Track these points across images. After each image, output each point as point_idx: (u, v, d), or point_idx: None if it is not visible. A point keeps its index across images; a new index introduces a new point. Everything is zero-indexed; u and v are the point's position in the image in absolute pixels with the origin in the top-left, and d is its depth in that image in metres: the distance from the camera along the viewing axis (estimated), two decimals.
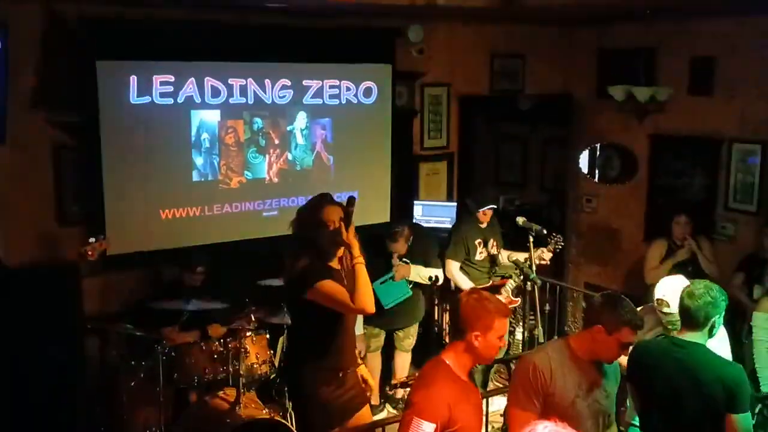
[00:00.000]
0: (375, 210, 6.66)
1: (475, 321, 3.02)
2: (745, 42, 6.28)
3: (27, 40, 5.19)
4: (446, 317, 6.55)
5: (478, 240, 6.12)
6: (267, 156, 6.20)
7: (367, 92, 6.58)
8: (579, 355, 3.31)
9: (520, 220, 5.85)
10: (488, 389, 5.96)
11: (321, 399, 3.90)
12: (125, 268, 5.64)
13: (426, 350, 6.63)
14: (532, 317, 5.89)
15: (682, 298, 3.49)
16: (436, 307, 6.80)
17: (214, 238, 5.95)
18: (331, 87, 6.39)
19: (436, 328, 6.80)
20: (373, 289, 5.47)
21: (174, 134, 5.75)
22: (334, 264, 3.91)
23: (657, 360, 3.48)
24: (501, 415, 5.01)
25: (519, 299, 6.00)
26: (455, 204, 7.09)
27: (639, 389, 3.61)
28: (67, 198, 5.52)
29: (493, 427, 5.18)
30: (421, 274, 5.77)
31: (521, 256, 5.84)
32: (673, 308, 3.93)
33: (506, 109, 8.59)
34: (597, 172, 7.76)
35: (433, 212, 6.99)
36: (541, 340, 5.61)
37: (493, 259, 6.16)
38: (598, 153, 7.73)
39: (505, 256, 6.17)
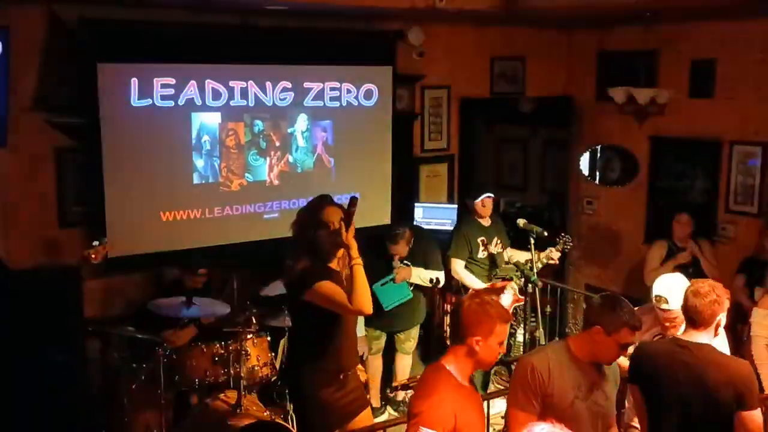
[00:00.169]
0: (376, 212, 6.66)
1: (477, 326, 3.00)
2: (745, 44, 6.29)
3: (28, 42, 5.19)
4: (447, 319, 6.55)
5: (481, 238, 6.13)
6: (268, 158, 6.20)
7: (368, 94, 6.59)
8: (578, 356, 3.31)
9: (521, 222, 5.85)
10: (489, 391, 5.97)
11: (321, 401, 3.90)
12: (126, 271, 5.64)
13: (427, 352, 6.65)
14: (533, 319, 5.89)
15: (686, 297, 3.49)
16: (441, 307, 6.79)
17: (214, 241, 5.95)
18: (331, 89, 6.39)
19: (437, 330, 6.80)
20: (374, 291, 5.57)
21: (175, 137, 5.75)
22: (334, 265, 3.92)
23: (664, 363, 3.47)
24: (502, 417, 5.01)
25: (523, 297, 6.03)
26: (456, 206, 7.10)
27: (645, 393, 3.58)
28: (68, 200, 5.52)
29: (494, 429, 5.19)
30: (421, 276, 5.77)
31: (522, 257, 5.85)
32: (672, 305, 3.94)
33: (507, 111, 8.61)
34: (597, 174, 7.76)
35: (434, 214, 7.00)
36: (543, 341, 5.61)
37: (492, 259, 6.16)
38: (598, 155, 7.74)
39: (507, 255, 6.17)
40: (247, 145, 6.08)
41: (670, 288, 3.97)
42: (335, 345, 3.91)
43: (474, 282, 6.02)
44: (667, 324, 4.02)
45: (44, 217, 5.44)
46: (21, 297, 4.70)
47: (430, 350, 6.69)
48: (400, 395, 6.06)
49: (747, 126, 6.38)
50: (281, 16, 6.04)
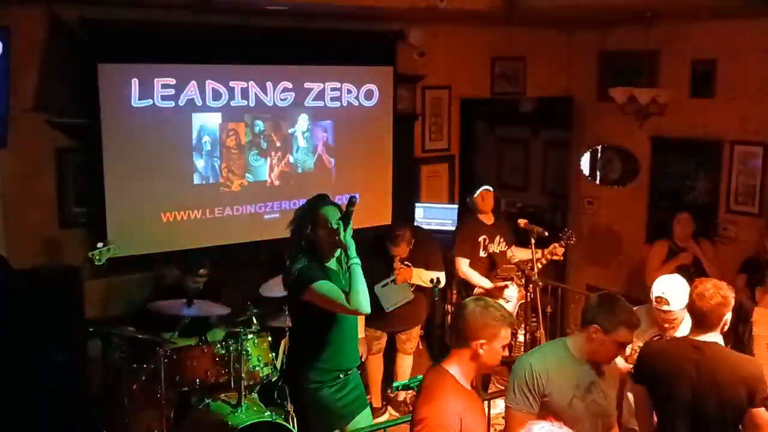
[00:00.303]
0: (376, 212, 6.66)
1: (482, 329, 2.97)
2: (745, 44, 6.29)
3: (29, 43, 5.19)
4: (449, 319, 6.55)
5: (483, 236, 6.12)
6: (268, 159, 6.20)
7: (369, 95, 6.59)
8: (576, 355, 3.31)
9: (522, 222, 5.86)
10: (489, 391, 5.97)
11: (322, 401, 3.90)
12: (126, 271, 5.64)
13: (428, 352, 6.65)
14: (533, 319, 5.89)
15: (692, 301, 3.48)
16: (442, 308, 6.80)
17: (215, 241, 5.95)
18: (332, 89, 6.39)
19: (438, 330, 6.80)
20: (375, 293, 5.56)
21: (175, 137, 5.76)
22: (332, 265, 3.91)
23: (675, 362, 3.46)
24: (503, 418, 4.99)
25: (516, 304, 6.06)
26: (456, 206, 7.10)
27: (655, 393, 3.57)
28: (68, 201, 5.53)
29: (495, 429, 5.18)
30: (422, 277, 5.77)
31: (525, 256, 5.84)
32: (673, 306, 3.93)
33: (507, 111, 8.62)
34: (598, 174, 7.76)
35: (435, 215, 7.00)
36: (543, 342, 5.61)
37: (491, 259, 6.16)
38: (599, 155, 7.73)
39: (510, 254, 6.16)
40: (248, 145, 6.08)
41: (671, 289, 3.97)
42: (335, 345, 3.91)
43: (480, 280, 6.03)
44: (667, 325, 4.02)
45: (45, 218, 5.44)
46: (21, 297, 4.69)
47: (431, 350, 6.69)
48: (401, 395, 6.06)
49: (748, 126, 6.37)
50: (282, 16, 6.04)
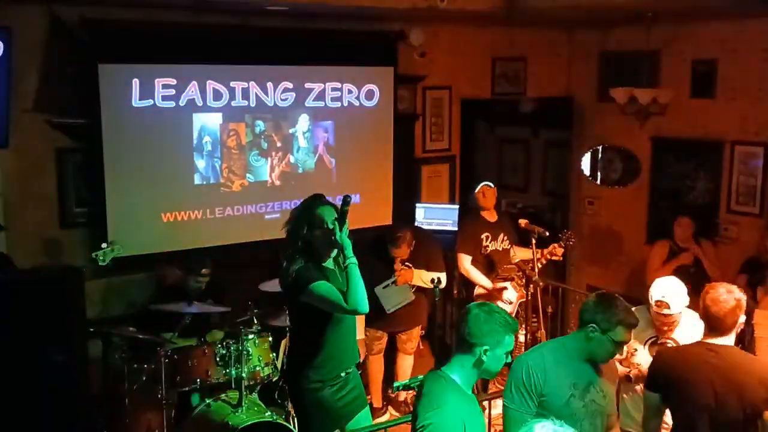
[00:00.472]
0: (377, 212, 6.66)
1: (486, 335, 2.94)
2: (746, 44, 6.29)
3: (29, 43, 5.20)
4: (452, 315, 6.55)
5: (486, 234, 6.12)
6: (269, 159, 6.20)
7: (369, 95, 6.59)
8: (574, 354, 3.30)
9: (523, 222, 5.86)
10: (489, 392, 5.96)
11: (322, 401, 3.90)
12: (127, 271, 5.64)
13: (429, 353, 6.65)
14: (534, 319, 5.89)
15: (706, 306, 3.47)
16: (445, 308, 6.81)
17: (216, 241, 5.95)
18: (333, 90, 6.40)
19: (438, 331, 6.80)
20: (375, 294, 5.55)
21: (176, 137, 5.76)
22: (329, 265, 3.91)
23: (693, 367, 3.43)
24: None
25: (517, 303, 6.06)
26: (457, 206, 7.09)
27: (672, 400, 3.52)
28: (69, 201, 5.53)
29: (495, 430, 5.17)
30: (423, 278, 5.76)
31: (527, 255, 5.85)
32: (674, 309, 3.93)
33: (508, 112, 8.61)
34: (599, 174, 7.76)
35: (435, 215, 6.99)
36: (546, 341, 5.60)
37: (489, 259, 6.16)
38: (600, 155, 7.73)
39: (512, 253, 6.16)
40: (249, 145, 6.09)
41: (670, 293, 3.97)
42: (334, 344, 3.91)
43: (480, 278, 6.03)
44: (665, 328, 4.01)
45: (45, 218, 5.45)
46: (22, 297, 4.69)
47: (432, 350, 6.69)
48: (402, 395, 6.06)
49: (748, 126, 6.37)
50: (282, 16, 6.04)
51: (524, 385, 3.24)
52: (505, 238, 6.20)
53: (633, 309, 3.41)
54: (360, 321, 5.73)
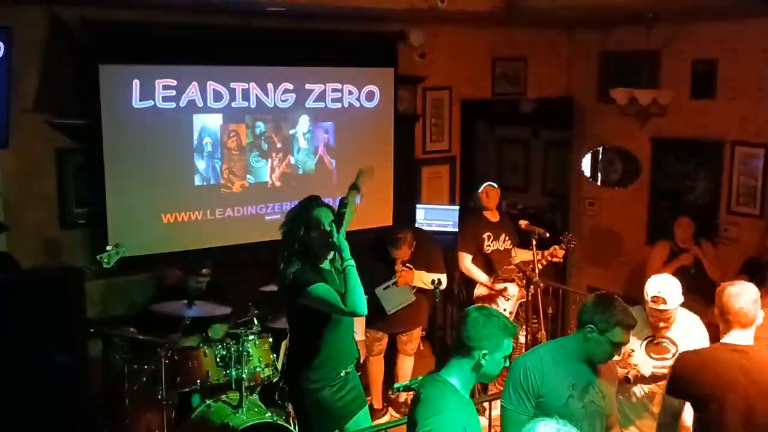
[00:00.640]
0: (377, 213, 6.66)
1: (485, 339, 2.93)
2: (746, 45, 6.29)
3: (30, 44, 5.20)
4: (453, 316, 6.55)
5: (487, 233, 6.13)
6: (269, 160, 6.20)
7: (370, 96, 6.59)
8: (573, 355, 3.30)
9: (523, 223, 5.87)
10: (489, 393, 5.96)
11: (322, 401, 3.90)
12: (127, 272, 5.63)
13: (429, 353, 6.64)
14: (534, 320, 5.89)
15: (730, 303, 3.45)
16: (446, 309, 6.80)
17: (216, 242, 5.95)
18: (333, 91, 6.40)
19: (439, 332, 6.79)
20: (376, 295, 5.55)
21: (176, 138, 5.76)
22: (325, 266, 3.90)
23: (724, 372, 3.38)
24: None
25: (517, 303, 6.07)
26: (457, 207, 7.10)
27: (704, 404, 3.44)
28: (69, 201, 5.53)
29: (495, 431, 5.17)
30: (424, 279, 5.76)
31: (528, 257, 5.85)
32: (670, 304, 3.94)
33: (508, 112, 8.61)
34: (599, 175, 7.76)
35: (436, 216, 6.99)
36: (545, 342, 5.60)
37: (488, 259, 6.17)
38: (600, 156, 7.73)
39: (513, 254, 6.17)
40: (249, 146, 6.09)
41: (666, 288, 3.97)
42: (333, 345, 3.90)
43: (481, 276, 6.05)
44: (662, 324, 4.01)
45: (45, 218, 5.45)
46: (22, 297, 4.69)
47: (433, 351, 6.69)
48: (402, 396, 6.06)
49: (748, 127, 6.37)
50: (282, 17, 6.04)
51: (522, 387, 3.24)
52: (507, 238, 6.22)
53: (632, 309, 3.41)
54: (360, 322, 5.74)
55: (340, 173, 6.53)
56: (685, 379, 3.47)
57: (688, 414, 3.70)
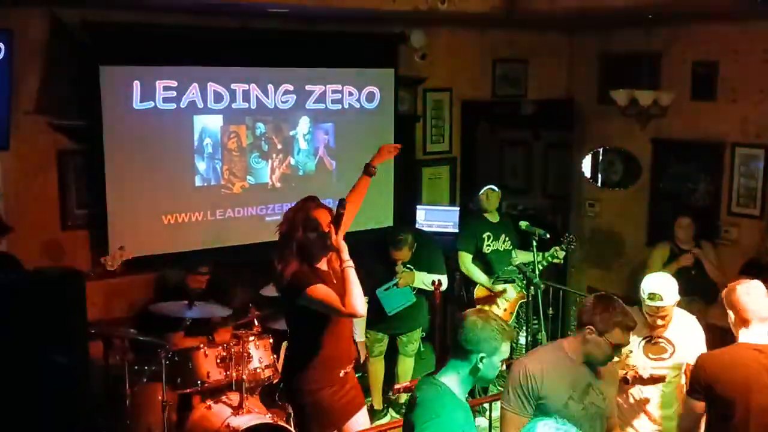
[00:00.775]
0: (378, 214, 6.66)
1: (482, 343, 2.92)
2: (746, 46, 6.29)
3: (30, 45, 5.20)
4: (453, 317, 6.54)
5: (487, 233, 6.15)
6: (269, 161, 6.20)
7: (370, 97, 6.59)
8: (573, 357, 3.29)
9: (523, 224, 5.88)
10: (490, 394, 5.96)
11: (322, 402, 3.90)
12: (127, 273, 5.63)
13: (429, 354, 6.65)
14: (535, 321, 5.89)
15: (739, 300, 3.46)
16: (450, 310, 6.80)
17: (216, 243, 5.95)
18: (333, 92, 6.40)
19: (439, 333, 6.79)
20: (377, 296, 5.56)
21: (177, 139, 5.76)
22: (321, 265, 3.90)
23: (747, 372, 3.37)
24: None
25: (517, 303, 6.07)
26: (458, 208, 7.10)
27: (726, 405, 3.41)
28: (69, 203, 5.53)
29: None
30: (424, 280, 5.77)
31: (528, 258, 5.85)
32: (667, 301, 3.94)
33: (509, 114, 8.61)
34: (600, 176, 7.76)
35: (436, 217, 6.99)
36: (545, 344, 5.60)
37: (487, 259, 6.17)
38: (600, 157, 7.73)
39: (514, 255, 6.18)
40: (249, 147, 6.09)
41: (663, 285, 3.97)
42: (331, 345, 3.91)
43: (481, 276, 6.06)
44: (659, 321, 4.02)
45: (46, 219, 5.45)
46: (23, 298, 4.69)
47: (433, 352, 6.68)
48: (402, 397, 6.06)
49: (748, 128, 6.37)
50: (282, 19, 6.05)
51: (522, 388, 3.24)
52: (507, 239, 6.23)
53: (630, 309, 3.40)
54: (361, 323, 5.75)
55: (341, 174, 6.53)
56: (709, 382, 3.44)
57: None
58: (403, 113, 6.91)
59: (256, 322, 5.05)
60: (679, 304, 4.09)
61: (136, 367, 4.88)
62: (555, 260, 5.90)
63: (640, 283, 4.06)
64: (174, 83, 5.64)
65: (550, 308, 5.98)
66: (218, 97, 5.86)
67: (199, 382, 4.77)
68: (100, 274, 5.04)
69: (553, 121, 8.41)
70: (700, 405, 3.51)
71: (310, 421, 3.97)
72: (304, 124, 6.32)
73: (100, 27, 5.30)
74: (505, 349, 2.97)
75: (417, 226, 6.76)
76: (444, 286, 5.75)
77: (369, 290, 5.59)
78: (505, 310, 6.17)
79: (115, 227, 5.49)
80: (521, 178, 9.38)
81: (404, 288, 5.72)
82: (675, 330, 4.06)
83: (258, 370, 4.87)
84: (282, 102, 6.16)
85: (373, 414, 5.83)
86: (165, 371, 4.64)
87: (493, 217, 6.27)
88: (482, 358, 2.92)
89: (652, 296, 3.96)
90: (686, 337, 4.06)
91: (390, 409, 6.09)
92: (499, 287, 6.11)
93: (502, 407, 3.33)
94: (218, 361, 4.80)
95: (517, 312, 6.29)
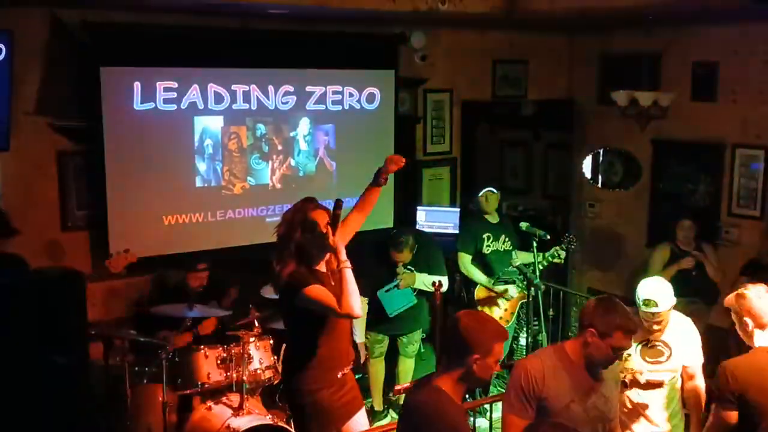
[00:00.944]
0: (378, 215, 6.63)
1: (476, 344, 2.91)
2: (747, 47, 6.30)
3: (31, 46, 5.20)
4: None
5: (487, 234, 6.15)
6: (270, 162, 6.20)
7: (370, 98, 6.59)
8: (574, 359, 3.27)
9: (524, 225, 5.88)
10: (491, 395, 5.96)
11: (321, 402, 3.90)
12: (128, 274, 5.64)
13: (430, 355, 6.65)
14: (535, 323, 5.89)
15: (752, 305, 3.45)
16: (450, 311, 6.80)
17: (216, 244, 5.95)
18: (334, 93, 6.40)
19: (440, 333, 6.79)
20: (378, 298, 5.55)
21: (177, 140, 5.76)
22: (320, 267, 3.91)
23: None
24: None
25: (517, 303, 6.07)
26: (458, 209, 7.10)
27: (758, 411, 3.35)
28: (70, 204, 5.53)
29: None
30: (425, 281, 5.76)
31: (528, 259, 5.85)
32: (662, 306, 3.94)
33: (509, 114, 8.61)
34: (600, 177, 7.76)
35: (436, 218, 6.99)
36: (546, 345, 5.60)
37: (487, 260, 6.17)
38: (600, 158, 7.74)
39: (514, 256, 6.18)
40: (250, 148, 6.09)
41: (657, 290, 3.97)
42: (329, 346, 3.90)
43: (481, 277, 6.07)
44: (655, 327, 4.02)
45: (46, 220, 5.44)
46: (23, 299, 4.70)
47: (434, 353, 6.68)
48: (403, 399, 6.05)
49: (749, 129, 6.37)
50: (283, 20, 6.05)
51: (523, 390, 3.22)
52: (506, 239, 6.23)
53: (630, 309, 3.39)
54: (361, 324, 5.75)
55: (341, 175, 6.53)
56: (741, 389, 3.38)
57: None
58: (404, 114, 6.91)
59: (256, 323, 5.05)
60: (680, 306, 4.09)
61: (136, 368, 4.88)
62: (555, 260, 5.90)
63: (635, 288, 4.06)
64: (174, 84, 5.64)
65: (551, 309, 5.98)
66: (219, 98, 5.86)
67: (199, 383, 4.77)
68: (102, 275, 5.05)
69: (553, 122, 8.41)
70: (732, 414, 3.42)
71: (310, 421, 3.97)
72: (304, 125, 6.32)
73: (100, 27, 5.30)
74: (498, 350, 2.96)
75: (417, 227, 6.75)
76: (444, 288, 5.74)
77: (370, 291, 5.59)
78: (505, 310, 6.17)
79: (115, 228, 5.49)
80: (521, 179, 9.38)
81: (405, 289, 5.72)
82: (671, 333, 4.06)
83: (258, 371, 4.87)
84: (282, 103, 6.16)
85: (374, 415, 5.83)
86: (165, 372, 4.64)
87: (493, 218, 6.28)
88: (476, 359, 2.91)
89: (647, 302, 3.96)
90: (683, 340, 4.06)
91: (390, 410, 6.09)
92: (500, 288, 6.11)
93: (504, 411, 3.31)
94: (218, 362, 4.80)
95: (518, 313, 6.29)
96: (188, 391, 4.82)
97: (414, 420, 2.99)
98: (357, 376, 4.39)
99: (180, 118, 5.72)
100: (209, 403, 4.82)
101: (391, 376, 6.11)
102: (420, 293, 5.84)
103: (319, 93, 6.32)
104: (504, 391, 4.86)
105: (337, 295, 3.68)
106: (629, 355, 4.04)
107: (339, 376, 3.95)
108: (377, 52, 6.67)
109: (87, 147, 5.49)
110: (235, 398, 4.79)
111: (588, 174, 7.81)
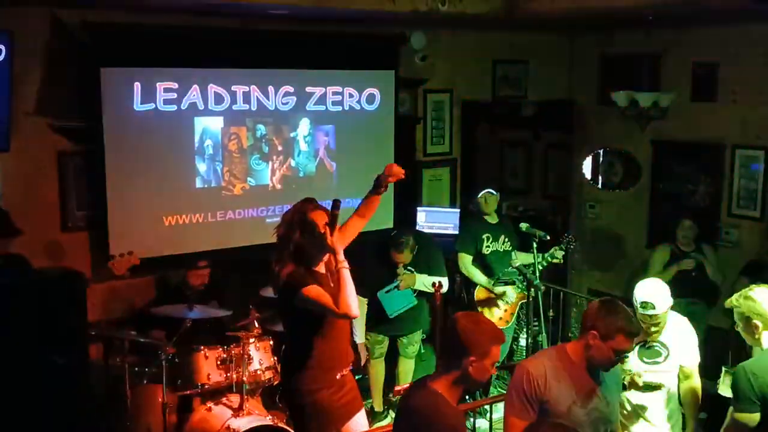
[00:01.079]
0: (378, 216, 6.58)
1: (472, 346, 2.91)
2: (747, 48, 6.29)
3: (31, 46, 5.19)
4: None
5: (486, 234, 6.16)
6: (270, 163, 6.20)
7: (370, 99, 6.59)
8: (575, 361, 3.26)
9: (524, 226, 5.88)
10: (491, 395, 5.96)
11: (321, 403, 3.90)
12: (128, 275, 5.63)
13: (430, 356, 6.65)
14: (535, 323, 5.89)
15: (762, 308, 3.46)
16: (450, 312, 6.80)
17: (217, 245, 5.94)
18: (334, 94, 6.40)
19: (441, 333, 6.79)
20: (378, 298, 5.55)
21: (177, 141, 5.76)
22: (319, 268, 3.91)
23: None
24: None
25: (517, 304, 6.07)
26: (458, 210, 7.11)
27: None
28: (70, 204, 5.52)
29: None
30: (425, 282, 5.76)
31: (528, 260, 5.85)
32: (659, 309, 3.95)
33: (509, 115, 8.61)
34: (600, 177, 7.76)
35: (436, 218, 6.99)
36: (545, 346, 5.60)
37: (486, 261, 6.18)
38: (601, 159, 7.74)
39: (514, 257, 6.18)
40: (250, 149, 6.09)
41: (655, 292, 3.98)
42: (327, 347, 3.90)
43: (481, 278, 6.07)
44: (653, 328, 4.02)
45: (46, 221, 5.44)
46: (24, 300, 4.70)
47: (434, 354, 6.69)
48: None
49: (749, 129, 6.37)
50: (283, 20, 6.05)
51: (525, 392, 3.21)
52: (506, 240, 6.24)
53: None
54: (361, 325, 5.75)
55: (341, 176, 6.53)
56: (764, 390, 3.36)
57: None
58: (404, 115, 6.91)
59: (256, 324, 5.05)
60: (680, 306, 4.09)
61: (136, 369, 4.87)
62: (554, 260, 5.91)
63: (633, 290, 4.07)
64: (174, 85, 5.64)
65: (551, 310, 5.98)
66: (219, 99, 5.86)
67: (199, 383, 4.77)
68: (102, 276, 5.04)
69: (554, 122, 8.41)
70: (755, 417, 3.39)
71: (309, 421, 3.97)
72: (304, 125, 6.32)
73: (100, 28, 5.30)
74: (495, 353, 2.96)
75: (417, 227, 6.75)
76: (444, 288, 5.74)
77: (370, 292, 5.59)
78: (505, 311, 6.17)
79: (115, 229, 5.48)
80: (521, 179, 9.38)
81: (405, 290, 5.72)
82: (669, 333, 4.07)
83: (258, 372, 4.87)
84: (282, 103, 6.16)
85: (374, 416, 5.83)
86: (165, 373, 4.64)
87: (493, 219, 6.28)
88: (472, 361, 2.91)
89: (644, 305, 3.96)
90: (680, 340, 4.07)
91: (390, 411, 6.08)
92: (500, 289, 6.11)
93: (505, 413, 3.30)
94: (218, 362, 4.80)
95: (518, 314, 6.29)
96: (188, 392, 4.82)
97: (412, 422, 2.98)
98: (357, 377, 4.39)
99: (180, 119, 5.72)
100: (209, 404, 4.81)
101: (391, 377, 6.11)
102: (420, 294, 5.83)
103: (319, 93, 6.32)
104: (504, 392, 4.86)
105: (335, 296, 3.68)
106: (627, 356, 4.04)
107: (338, 377, 3.95)
108: (377, 53, 6.67)
109: (87, 147, 5.49)
110: (235, 399, 4.79)
111: (588, 174, 7.81)
